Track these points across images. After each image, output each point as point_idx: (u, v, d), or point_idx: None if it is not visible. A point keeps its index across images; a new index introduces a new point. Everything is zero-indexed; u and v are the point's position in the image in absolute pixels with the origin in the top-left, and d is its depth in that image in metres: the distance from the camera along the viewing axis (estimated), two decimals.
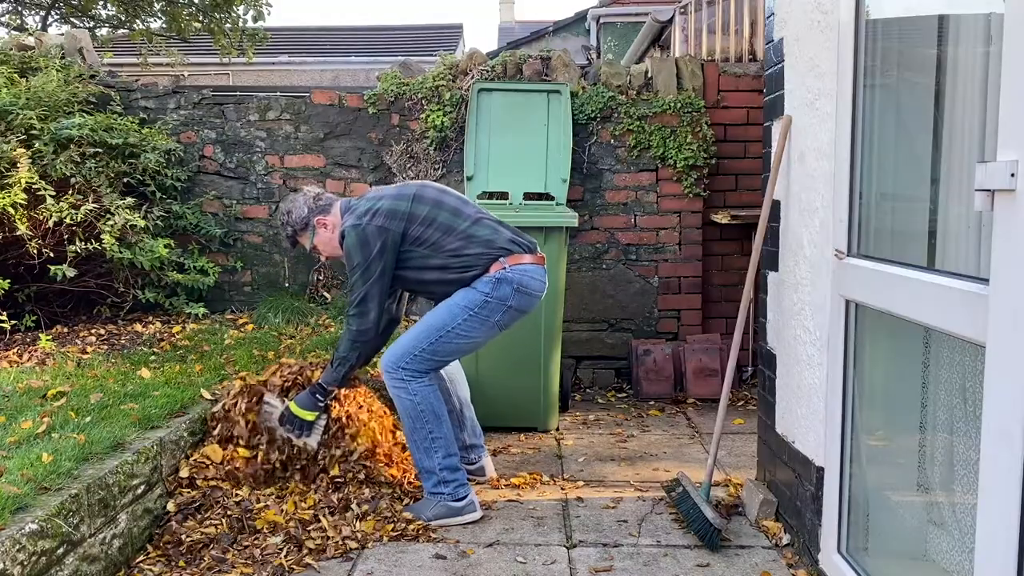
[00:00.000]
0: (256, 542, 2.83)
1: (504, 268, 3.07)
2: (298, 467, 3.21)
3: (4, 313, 4.10)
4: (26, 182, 3.95)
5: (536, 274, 3.15)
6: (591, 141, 5.09)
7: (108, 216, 4.18)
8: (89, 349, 4.06)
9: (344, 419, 3.26)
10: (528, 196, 4.75)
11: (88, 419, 2.93)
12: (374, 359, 3.41)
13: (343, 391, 3.29)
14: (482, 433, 3.57)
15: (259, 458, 3.18)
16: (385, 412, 3.43)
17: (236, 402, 3.23)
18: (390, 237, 3.04)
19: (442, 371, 3.33)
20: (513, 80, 5.06)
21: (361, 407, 3.33)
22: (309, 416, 3.15)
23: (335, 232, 3.17)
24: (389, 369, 3.08)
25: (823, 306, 2.58)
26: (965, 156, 2.03)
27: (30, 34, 5.81)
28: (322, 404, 3.17)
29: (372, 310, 3.05)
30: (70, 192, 4.16)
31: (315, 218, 3.18)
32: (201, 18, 12.22)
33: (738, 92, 5.13)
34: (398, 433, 3.42)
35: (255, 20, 12.05)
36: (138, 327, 4.57)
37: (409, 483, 3.29)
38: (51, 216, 4.02)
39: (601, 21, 13.59)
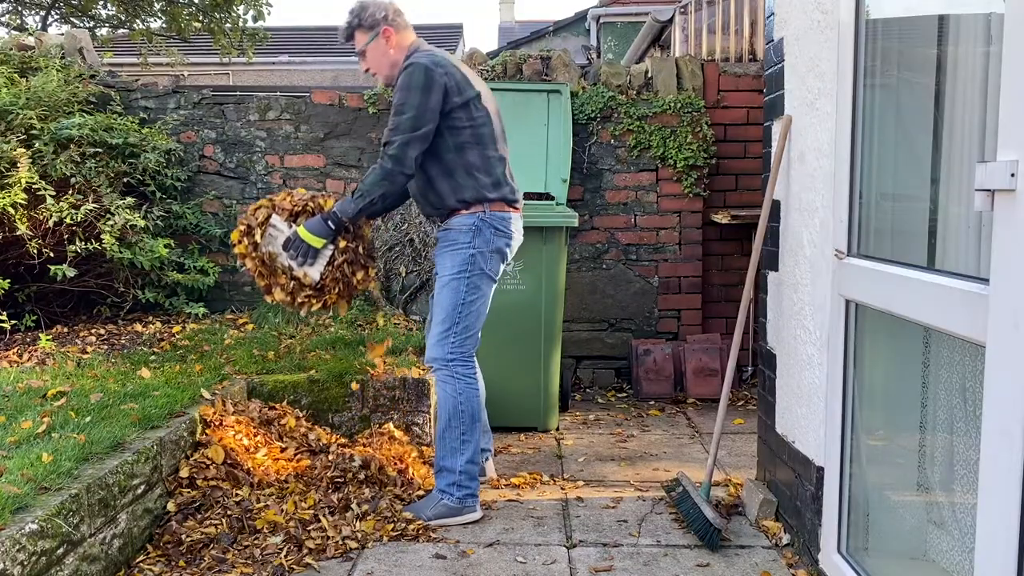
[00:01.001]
0: (256, 542, 2.83)
1: (483, 211, 3.08)
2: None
3: (4, 313, 4.10)
4: (26, 182, 3.95)
5: (513, 217, 3.17)
6: (591, 141, 5.09)
7: (108, 216, 4.18)
8: (89, 349, 4.06)
9: None
10: (528, 196, 4.72)
11: (88, 419, 2.93)
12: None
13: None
14: (492, 437, 3.57)
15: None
16: None
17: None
18: (444, 103, 3.00)
19: None
20: (513, 80, 5.06)
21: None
22: (317, 243, 3.07)
23: (392, 52, 3.10)
24: (438, 366, 3.12)
25: (823, 306, 2.58)
26: (965, 156, 2.03)
27: (30, 34, 5.79)
28: (332, 232, 3.08)
29: (410, 158, 2.98)
30: (70, 192, 4.16)
31: (385, 26, 3.10)
32: (201, 18, 12.21)
33: (738, 92, 5.13)
34: None
35: (255, 20, 12.05)
36: (138, 327, 4.57)
37: None
38: (51, 216, 4.02)
39: (601, 21, 13.57)
